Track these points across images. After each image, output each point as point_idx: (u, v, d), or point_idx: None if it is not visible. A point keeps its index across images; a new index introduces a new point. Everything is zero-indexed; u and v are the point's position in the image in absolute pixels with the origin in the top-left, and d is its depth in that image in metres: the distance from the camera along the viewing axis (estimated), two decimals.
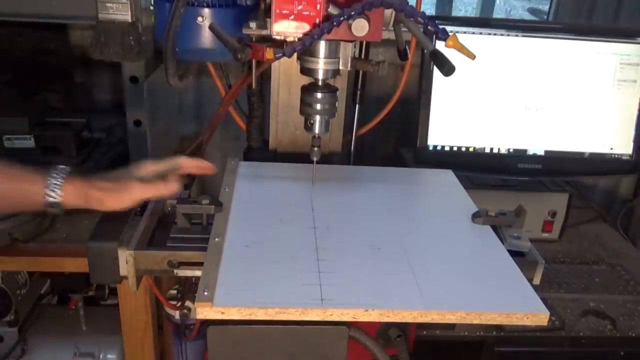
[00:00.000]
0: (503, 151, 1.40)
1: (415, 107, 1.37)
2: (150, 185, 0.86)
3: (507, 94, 1.37)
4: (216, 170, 0.97)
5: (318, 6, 0.80)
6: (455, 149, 1.38)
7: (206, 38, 1.02)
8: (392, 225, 0.91)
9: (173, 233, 0.90)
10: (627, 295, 1.30)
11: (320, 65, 0.89)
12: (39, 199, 0.80)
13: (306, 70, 0.91)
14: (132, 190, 0.84)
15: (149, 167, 0.90)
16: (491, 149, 1.39)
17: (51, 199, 0.80)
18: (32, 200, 0.80)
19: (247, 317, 0.68)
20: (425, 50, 0.92)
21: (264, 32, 0.85)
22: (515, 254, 0.86)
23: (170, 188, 0.87)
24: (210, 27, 0.92)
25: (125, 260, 0.83)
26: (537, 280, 0.88)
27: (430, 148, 1.37)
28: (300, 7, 0.80)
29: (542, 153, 1.41)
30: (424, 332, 1.12)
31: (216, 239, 0.82)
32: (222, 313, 0.68)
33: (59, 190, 0.80)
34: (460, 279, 0.78)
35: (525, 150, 1.40)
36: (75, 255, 1.18)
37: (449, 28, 0.79)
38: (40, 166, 0.82)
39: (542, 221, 1.47)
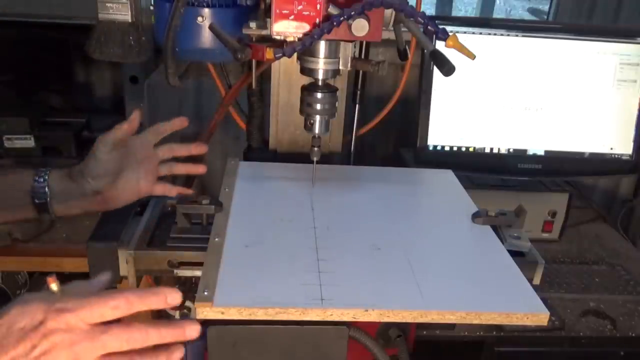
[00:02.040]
0: (503, 151, 1.40)
1: (415, 107, 1.37)
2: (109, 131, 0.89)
3: (507, 94, 1.37)
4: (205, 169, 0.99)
5: (318, 6, 0.80)
6: (455, 149, 1.38)
7: (206, 38, 1.01)
8: (392, 225, 0.91)
9: (173, 233, 0.90)
10: (627, 295, 1.30)
11: (320, 65, 0.89)
12: (27, 188, 0.83)
13: (306, 70, 0.91)
14: (96, 143, 0.87)
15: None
16: (491, 149, 1.39)
17: (38, 183, 0.83)
18: (19, 188, 0.84)
19: (247, 317, 0.68)
20: (425, 50, 0.92)
21: (264, 32, 0.84)
22: (515, 254, 0.86)
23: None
24: (210, 27, 0.91)
25: (125, 260, 0.83)
26: (537, 280, 0.88)
27: (430, 148, 1.37)
28: (300, 7, 0.80)
29: (542, 153, 1.41)
30: (424, 332, 1.12)
31: (216, 239, 0.82)
32: (222, 313, 0.68)
33: (46, 175, 0.85)
34: (460, 278, 0.78)
35: (525, 150, 1.40)
36: (75, 255, 1.18)
37: (449, 28, 0.79)
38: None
39: (542, 221, 1.47)
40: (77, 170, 0.88)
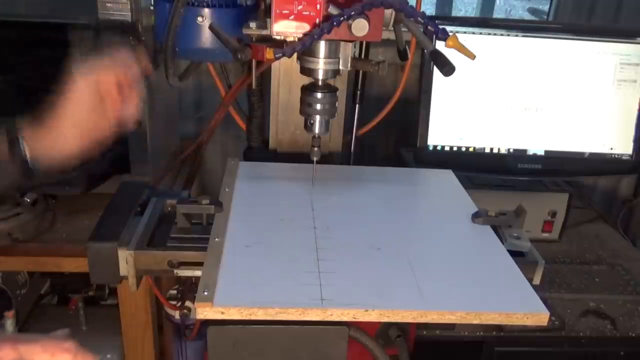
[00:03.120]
0: (503, 151, 1.40)
1: (415, 107, 1.37)
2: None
3: (507, 94, 1.37)
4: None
5: (318, 6, 0.80)
6: (455, 149, 1.38)
7: (206, 38, 1.02)
8: (392, 225, 0.91)
9: (173, 233, 0.90)
10: (627, 295, 1.30)
11: (320, 65, 0.89)
12: None
13: (306, 70, 0.91)
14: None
15: None
16: (491, 149, 1.39)
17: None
18: None
19: (247, 317, 0.68)
20: (425, 50, 0.92)
21: (264, 32, 0.85)
22: (515, 254, 0.86)
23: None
24: (210, 27, 0.92)
25: (125, 260, 0.83)
26: (537, 280, 0.88)
27: (430, 148, 1.37)
28: (300, 7, 0.80)
29: (542, 153, 1.41)
30: (424, 332, 1.12)
31: (216, 239, 0.82)
32: (222, 313, 0.68)
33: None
34: (460, 279, 0.78)
35: (525, 150, 1.40)
36: (75, 255, 1.18)
37: (449, 28, 0.79)
38: None
39: (542, 221, 1.47)
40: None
